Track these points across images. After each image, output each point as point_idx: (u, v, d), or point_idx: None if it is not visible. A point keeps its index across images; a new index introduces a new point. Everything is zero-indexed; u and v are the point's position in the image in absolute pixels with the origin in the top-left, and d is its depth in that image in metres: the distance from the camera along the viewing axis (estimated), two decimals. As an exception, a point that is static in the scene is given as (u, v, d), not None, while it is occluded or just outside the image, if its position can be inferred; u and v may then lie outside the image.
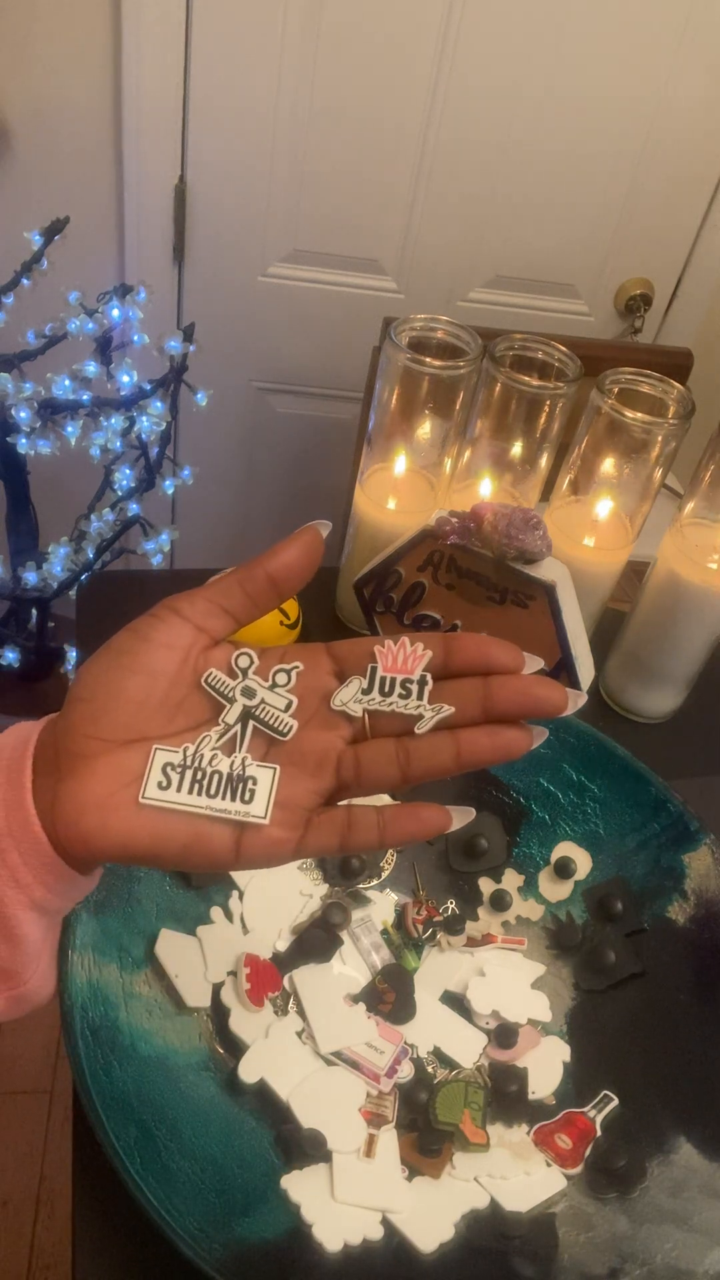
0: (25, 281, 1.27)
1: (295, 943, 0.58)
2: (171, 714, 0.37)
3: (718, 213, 1.51)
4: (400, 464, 0.77)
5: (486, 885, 0.64)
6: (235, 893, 0.60)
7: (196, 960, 0.56)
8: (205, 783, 0.36)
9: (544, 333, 0.77)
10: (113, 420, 1.31)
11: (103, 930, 0.52)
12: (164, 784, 0.36)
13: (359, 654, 0.38)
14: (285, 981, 0.57)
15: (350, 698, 0.37)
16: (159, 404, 1.33)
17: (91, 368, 1.28)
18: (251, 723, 0.37)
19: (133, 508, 1.42)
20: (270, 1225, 0.47)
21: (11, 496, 1.47)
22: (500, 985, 0.59)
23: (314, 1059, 0.54)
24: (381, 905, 0.62)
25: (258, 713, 0.37)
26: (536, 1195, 0.51)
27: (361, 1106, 0.53)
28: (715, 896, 0.58)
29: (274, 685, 0.37)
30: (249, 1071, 0.53)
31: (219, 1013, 0.55)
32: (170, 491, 1.45)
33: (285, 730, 0.37)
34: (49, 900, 0.38)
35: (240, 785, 0.36)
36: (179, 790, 0.36)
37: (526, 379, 0.71)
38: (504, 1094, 0.55)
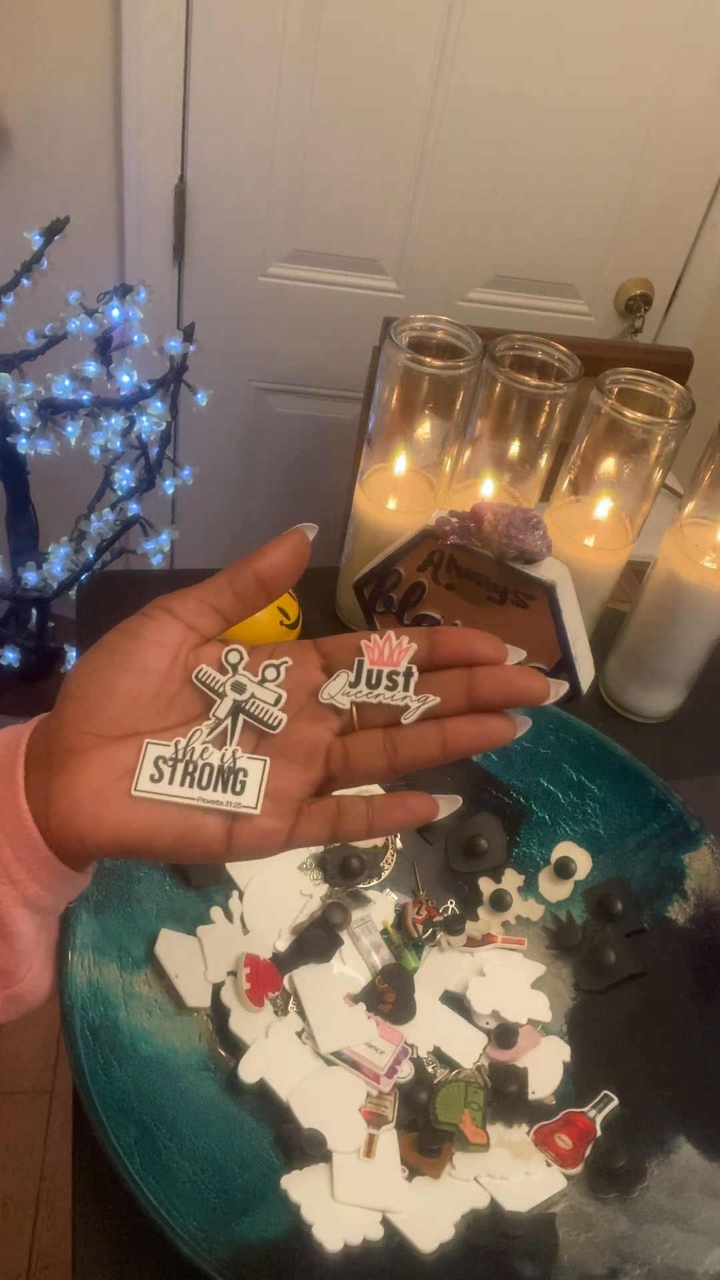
0: (25, 281, 1.27)
1: (295, 943, 0.58)
2: (163, 710, 0.38)
3: (718, 213, 1.51)
4: (400, 464, 0.77)
5: (486, 885, 0.64)
6: (235, 893, 0.60)
7: (196, 960, 0.56)
8: (197, 775, 0.37)
9: (544, 333, 0.77)
10: (113, 420, 1.31)
11: (103, 930, 0.52)
12: (156, 777, 0.36)
13: (346, 648, 0.39)
14: (285, 981, 0.57)
15: (338, 691, 0.38)
16: (159, 404, 1.33)
17: (91, 368, 1.28)
18: (242, 717, 0.38)
19: (133, 508, 1.43)
20: (270, 1225, 0.47)
21: (11, 496, 1.47)
22: (500, 985, 0.59)
23: (314, 1059, 0.54)
24: (381, 905, 0.62)
25: (248, 707, 0.38)
26: (536, 1195, 0.51)
27: (361, 1106, 0.53)
28: (715, 896, 0.58)
29: (263, 680, 0.38)
30: (249, 1071, 0.53)
31: (219, 1013, 0.55)
32: (170, 491, 1.45)
33: (275, 724, 0.38)
34: (42, 897, 0.38)
35: (231, 777, 0.37)
36: (171, 783, 0.36)
37: (526, 379, 0.71)
38: (504, 1094, 0.55)
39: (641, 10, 1.32)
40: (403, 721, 0.38)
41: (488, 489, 0.76)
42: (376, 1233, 0.48)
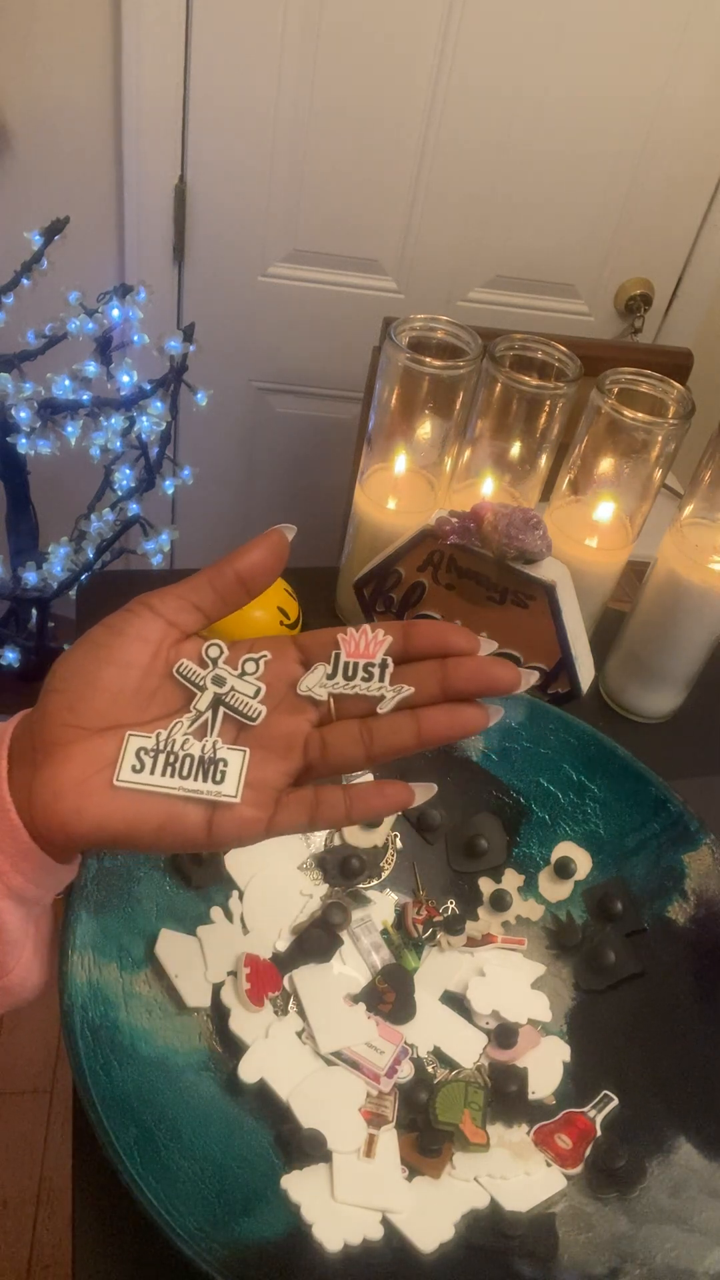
0: (25, 281, 1.26)
1: (295, 943, 0.58)
2: (145, 703, 0.38)
3: (718, 213, 1.51)
4: (400, 464, 0.77)
5: (486, 885, 0.64)
6: (235, 893, 0.60)
7: (196, 960, 0.56)
8: (178, 765, 0.37)
9: (544, 333, 0.77)
10: (113, 420, 1.31)
11: (103, 930, 0.52)
12: (138, 767, 0.37)
13: (324, 643, 0.40)
14: (285, 981, 0.57)
15: (316, 683, 0.39)
16: (159, 404, 1.33)
17: (91, 368, 1.28)
18: (222, 709, 0.39)
19: (133, 508, 1.42)
20: (270, 1225, 0.47)
21: (11, 496, 1.47)
22: (500, 985, 0.59)
23: (314, 1059, 0.54)
24: (381, 905, 0.62)
25: (228, 699, 0.39)
26: (536, 1195, 0.51)
27: (361, 1106, 0.53)
28: (715, 896, 0.58)
29: (243, 674, 0.39)
30: (249, 1071, 0.53)
31: (219, 1013, 0.55)
32: (170, 491, 1.45)
33: (254, 716, 0.39)
34: (26, 889, 0.38)
35: (212, 767, 0.38)
36: (152, 773, 0.37)
37: (526, 379, 0.71)
38: (504, 1094, 0.55)
39: (641, 10, 1.32)
40: (379, 711, 0.39)
41: (488, 489, 0.76)
42: (376, 1233, 0.48)
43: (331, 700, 0.39)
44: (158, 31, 1.30)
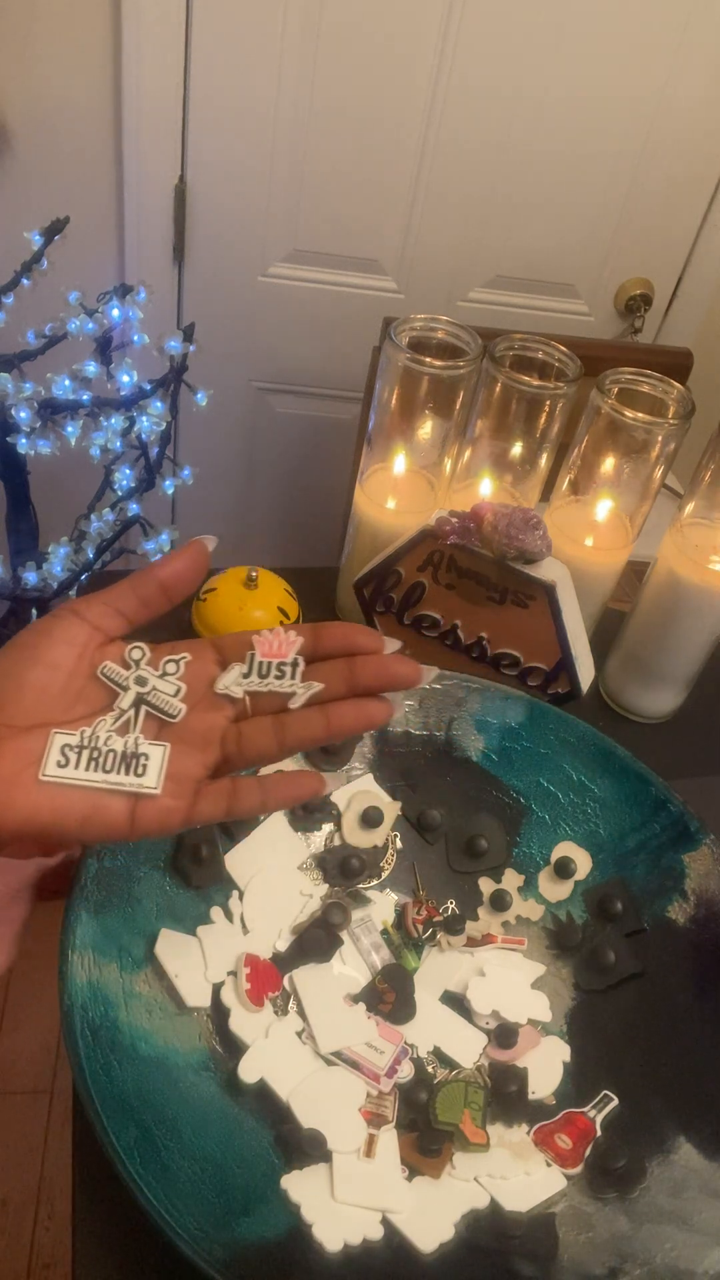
0: (25, 281, 1.26)
1: (295, 943, 0.58)
2: (71, 703, 0.41)
3: (718, 213, 1.51)
4: (400, 464, 0.77)
5: (486, 885, 0.64)
6: (235, 893, 0.60)
7: (196, 960, 0.56)
8: (101, 760, 0.40)
9: (544, 333, 0.77)
10: (113, 420, 1.31)
11: (103, 930, 0.52)
12: (63, 762, 0.39)
13: (240, 644, 0.42)
14: (285, 981, 0.57)
15: (232, 681, 0.42)
16: (159, 404, 1.32)
17: (91, 368, 1.27)
18: (144, 707, 0.41)
19: (133, 508, 1.42)
20: (270, 1225, 0.47)
21: (11, 496, 1.47)
22: (500, 985, 0.59)
23: (314, 1059, 0.54)
24: (381, 905, 0.62)
25: (149, 698, 0.41)
26: (536, 1195, 0.51)
27: (361, 1106, 0.53)
28: (715, 896, 0.58)
29: (164, 674, 0.41)
30: (249, 1071, 0.53)
31: (219, 1013, 0.55)
32: (170, 491, 1.45)
33: (175, 713, 0.41)
34: None
35: (134, 761, 0.40)
36: (77, 768, 0.39)
37: (526, 379, 0.71)
38: (504, 1094, 0.55)
39: (641, 10, 1.32)
40: (290, 706, 0.42)
41: (487, 489, 0.76)
42: (376, 1233, 0.48)
43: (247, 697, 0.42)
44: (158, 31, 1.30)
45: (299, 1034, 0.55)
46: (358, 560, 0.79)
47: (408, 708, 0.66)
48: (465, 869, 0.64)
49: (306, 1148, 0.50)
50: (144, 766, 0.40)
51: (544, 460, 0.76)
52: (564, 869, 0.63)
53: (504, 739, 0.66)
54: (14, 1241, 1.35)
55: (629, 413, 0.69)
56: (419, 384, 0.72)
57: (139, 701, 0.41)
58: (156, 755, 0.40)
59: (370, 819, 0.63)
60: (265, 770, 0.47)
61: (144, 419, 1.32)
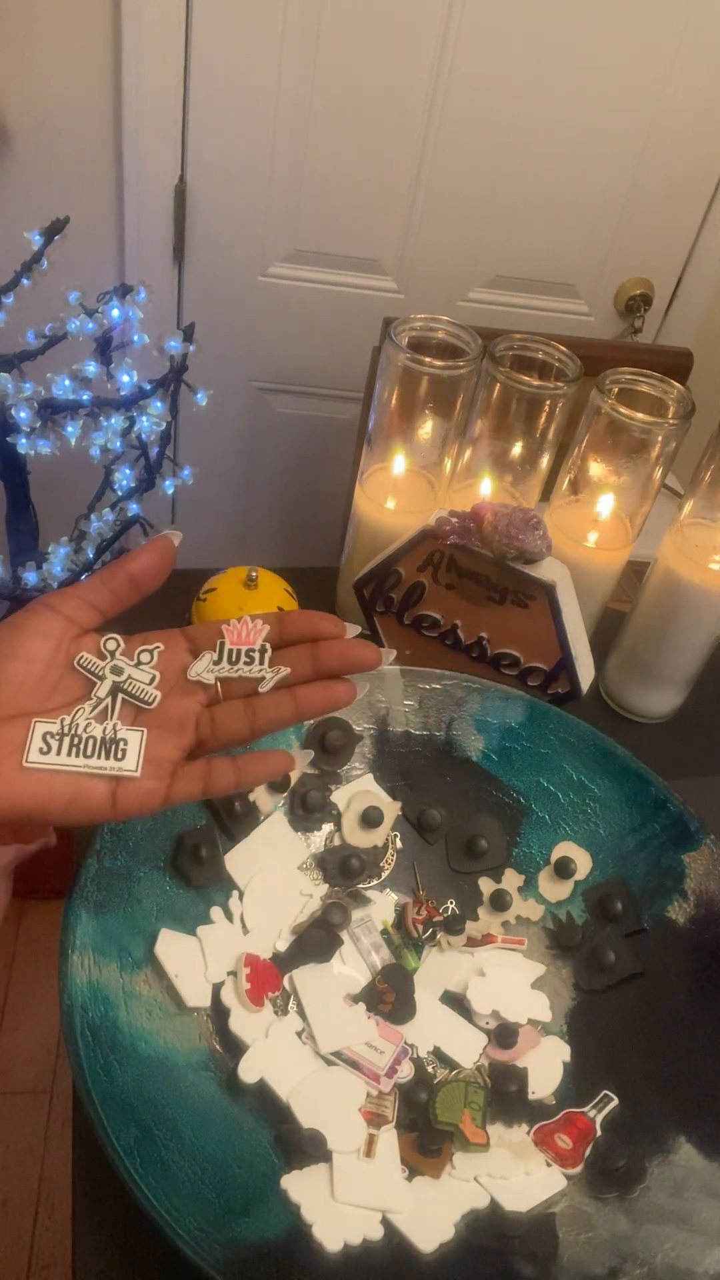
0: (25, 281, 1.26)
1: (295, 943, 0.58)
2: (48, 693, 0.42)
3: (718, 213, 1.51)
4: (400, 464, 0.77)
5: (486, 885, 0.64)
6: (235, 893, 0.60)
7: (196, 960, 0.56)
8: (82, 746, 0.41)
9: (544, 333, 0.77)
10: (113, 420, 1.31)
11: (103, 930, 0.52)
12: (44, 749, 0.41)
13: (209, 633, 0.44)
14: (285, 981, 0.57)
15: (204, 668, 0.44)
16: (159, 404, 1.32)
17: (91, 368, 1.27)
18: (120, 695, 0.43)
19: (133, 508, 1.42)
20: (270, 1225, 0.47)
21: (11, 496, 1.46)
22: (500, 985, 0.59)
23: (314, 1059, 0.54)
24: (381, 905, 0.62)
25: (125, 686, 0.43)
26: (536, 1195, 0.51)
27: (361, 1106, 0.53)
28: (715, 896, 0.58)
29: (139, 663, 0.43)
30: (249, 1071, 0.53)
31: (219, 1013, 0.55)
32: (170, 491, 1.45)
33: (150, 700, 0.43)
34: None
35: (113, 746, 0.42)
36: (59, 754, 0.41)
37: (526, 379, 0.71)
38: (504, 1094, 0.55)
39: (641, 10, 1.32)
40: (260, 691, 0.44)
41: (487, 489, 0.76)
42: (376, 1233, 0.48)
43: (218, 683, 0.44)
44: (158, 31, 1.30)
45: (299, 1034, 0.55)
46: (358, 560, 0.79)
47: (408, 708, 0.66)
48: (465, 869, 0.64)
49: (306, 1148, 0.50)
50: (123, 751, 0.42)
51: (544, 460, 0.76)
52: (564, 869, 0.63)
53: (504, 739, 0.66)
54: (14, 1241, 1.35)
55: (629, 413, 0.69)
56: (419, 384, 0.72)
57: (116, 690, 0.42)
58: (135, 740, 0.42)
59: (370, 819, 0.63)
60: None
61: (144, 419, 1.32)
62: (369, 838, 0.63)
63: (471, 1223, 0.50)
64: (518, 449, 0.75)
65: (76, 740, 0.41)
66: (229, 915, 0.59)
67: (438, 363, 0.71)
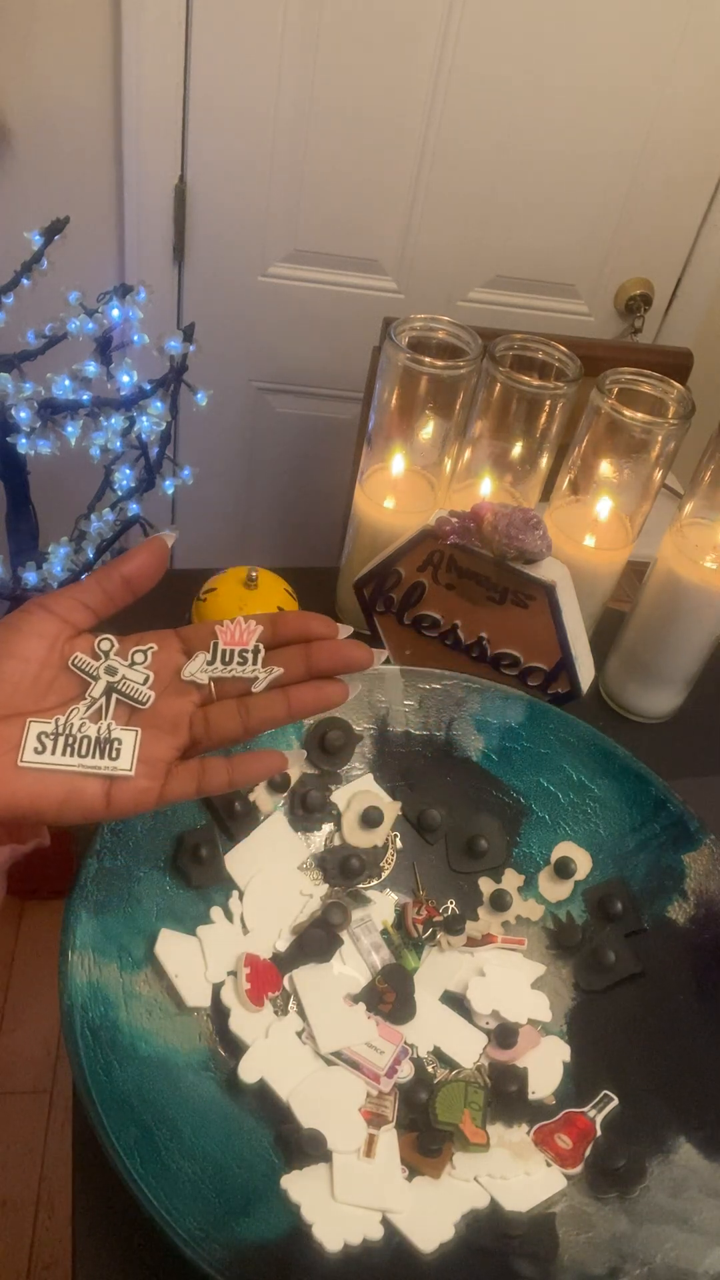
0: (25, 281, 1.26)
1: (295, 943, 0.58)
2: (43, 693, 0.42)
3: (718, 213, 1.51)
4: (400, 464, 0.77)
5: (486, 885, 0.64)
6: (235, 893, 0.60)
7: (196, 960, 0.56)
8: (76, 746, 0.42)
9: (544, 333, 0.77)
10: (113, 420, 1.31)
11: (103, 930, 0.52)
12: (40, 749, 0.41)
13: (203, 634, 0.45)
14: (285, 981, 0.57)
15: (197, 669, 0.44)
16: (159, 404, 1.32)
17: (91, 368, 1.27)
18: (115, 695, 0.43)
19: (133, 508, 1.42)
20: (270, 1225, 0.47)
21: (11, 496, 1.46)
22: (500, 985, 0.59)
23: (314, 1059, 0.54)
24: (381, 905, 0.62)
25: (120, 686, 0.43)
26: (536, 1195, 0.51)
27: (361, 1106, 0.53)
28: (715, 896, 0.58)
29: (133, 664, 0.43)
30: (249, 1071, 0.53)
31: (219, 1013, 0.55)
32: (170, 491, 1.45)
33: (144, 700, 0.43)
34: None
35: (108, 746, 0.42)
36: (54, 754, 0.41)
37: (526, 379, 0.71)
38: (504, 1094, 0.55)
39: (641, 10, 1.32)
40: (253, 690, 0.44)
41: (487, 489, 0.76)
42: (376, 1233, 0.48)
43: (212, 683, 0.44)
44: (158, 31, 1.30)
45: (299, 1034, 0.55)
46: (358, 560, 0.79)
47: (408, 708, 0.66)
48: (465, 869, 0.64)
49: (306, 1148, 0.50)
50: (118, 751, 0.42)
51: (544, 460, 0.76)
52: (564, 869, 0.63)
53: (504, 739, 0.66)
54: (14, 1241, 1.35)
55: (629, 413, 0.69)
56: (419, 384, 0.72)
57: (110, 690, 0.43)
58: (129, 740, 0.42)
59: (370, 819, 0.63)
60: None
61: (144, 419, 1.32)
62: (369, 838, 0.63)
63: (471, 1223, 0.50)
64: (518, 449, 0.75)
65: (71, 740, 0.41)
66: (229, 915, 0.59)
67: (438, 363, 0.71)
